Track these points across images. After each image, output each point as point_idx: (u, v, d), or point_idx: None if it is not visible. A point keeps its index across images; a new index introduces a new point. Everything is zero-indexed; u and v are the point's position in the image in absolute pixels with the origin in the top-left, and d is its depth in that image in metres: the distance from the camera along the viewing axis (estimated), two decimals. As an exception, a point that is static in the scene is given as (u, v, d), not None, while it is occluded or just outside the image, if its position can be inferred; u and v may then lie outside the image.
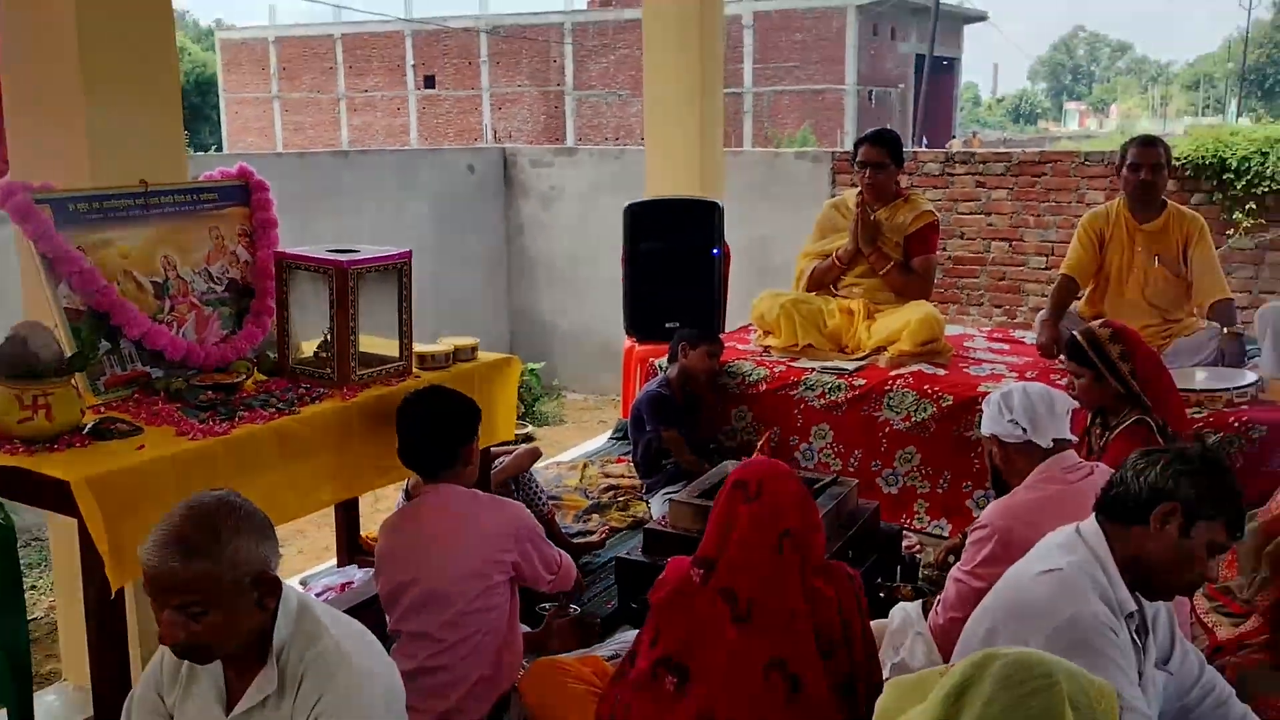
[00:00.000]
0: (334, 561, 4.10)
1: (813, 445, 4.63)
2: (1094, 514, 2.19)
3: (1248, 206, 6.89)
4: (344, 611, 2.06)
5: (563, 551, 3.05)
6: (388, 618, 2.83)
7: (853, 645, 2.36)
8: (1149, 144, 4.62)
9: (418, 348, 3.19)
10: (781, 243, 7.88)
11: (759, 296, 5.04)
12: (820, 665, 2.28)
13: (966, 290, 8.07)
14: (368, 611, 2.89)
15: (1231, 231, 6.97)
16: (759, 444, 4.45)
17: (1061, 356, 3.55)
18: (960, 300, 8.08)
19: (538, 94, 33.83)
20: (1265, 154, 6.84)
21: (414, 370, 3.14)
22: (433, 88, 34.97)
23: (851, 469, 4.51)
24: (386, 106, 35.57)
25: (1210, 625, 2.96)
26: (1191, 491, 2.05)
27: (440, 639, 2.72)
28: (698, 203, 5.55)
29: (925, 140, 26.61)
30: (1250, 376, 4.11)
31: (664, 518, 3.70)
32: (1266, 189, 6.84)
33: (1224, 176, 6.96)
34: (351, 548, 3.93)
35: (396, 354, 3.08)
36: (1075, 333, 3.54)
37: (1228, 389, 4.00)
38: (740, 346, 5.10)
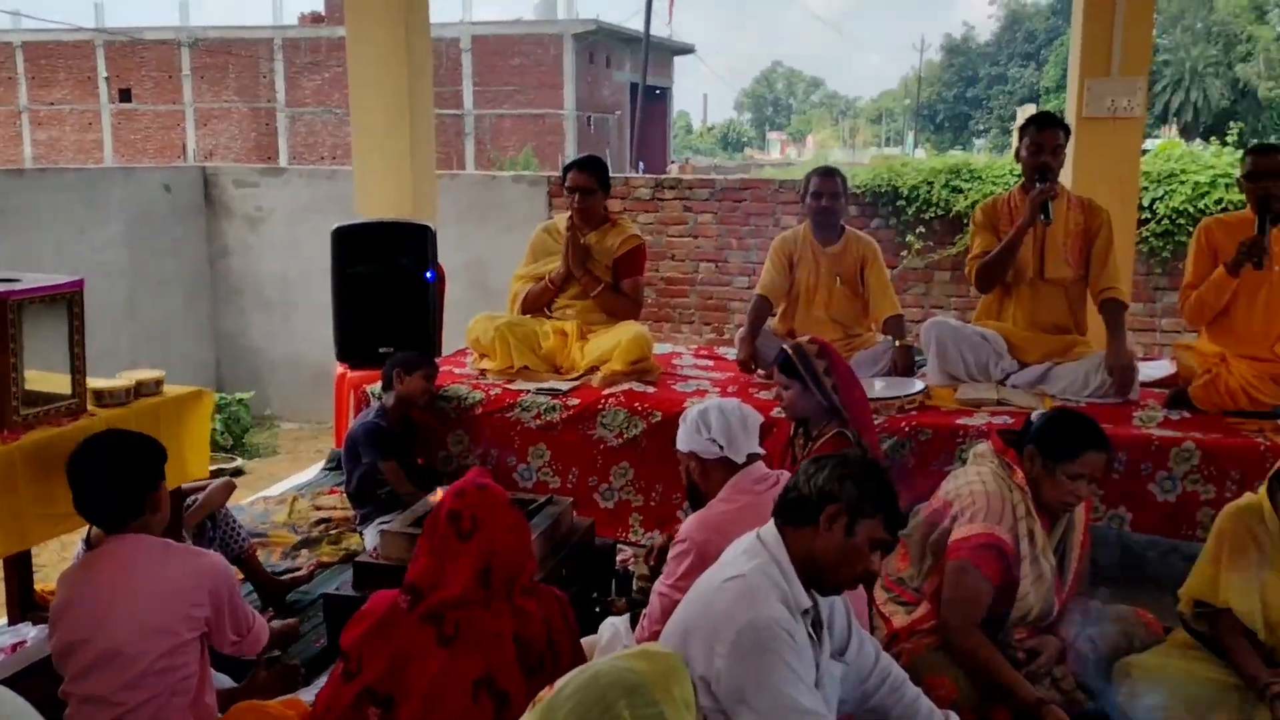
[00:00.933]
0: (3, 620, 3.72)
1: (531, 465, 4.68)
2: (773, 518, 2.35)
3: (918, 230, 7.61)
4: (14, 674, 1.87)
5: (258, 614, 2.88)
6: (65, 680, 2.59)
7: (560, 663, 2.40)
8: (828, 174, 5.02)
9: (95, 383, 2.96)
10: (500, 265, 7.90)
11: (474, 320, 5.04)
12: (525, 680, 2.30)
13: (678, 309, 8.42)
14: (41, 675, 2.65)
15: (905, 253, 7.67)
16: None
17: (774, 369, 3.78)
18: (673, 319, 8.43)
19: (247, 111, 32.23)
20: (931, 183, 7.59)
21: (89, 408, 2.91)
22: (129, 101, 32.54)
23: (570, 486, 4.59)
24: (77, 120, 32.75)
25: (888, 615, 3.23)
26: (854, 493, 2.25)
27: (118, 702, 2.49)
28: (409, 225, 5.48)
29: (643, 166, 27.54)
30: (918, 385, 4.53)
31: (376, 549, 3.61)
32: (933, 214, 7.58)
33: (897, 203, 7.66)
34: (25, 604, 3.58)
35: (68, 391, 2.85)
36: (786, 347, 3.78)
37: (900, 396, 4.39)
38: (457, 370, 5.08)
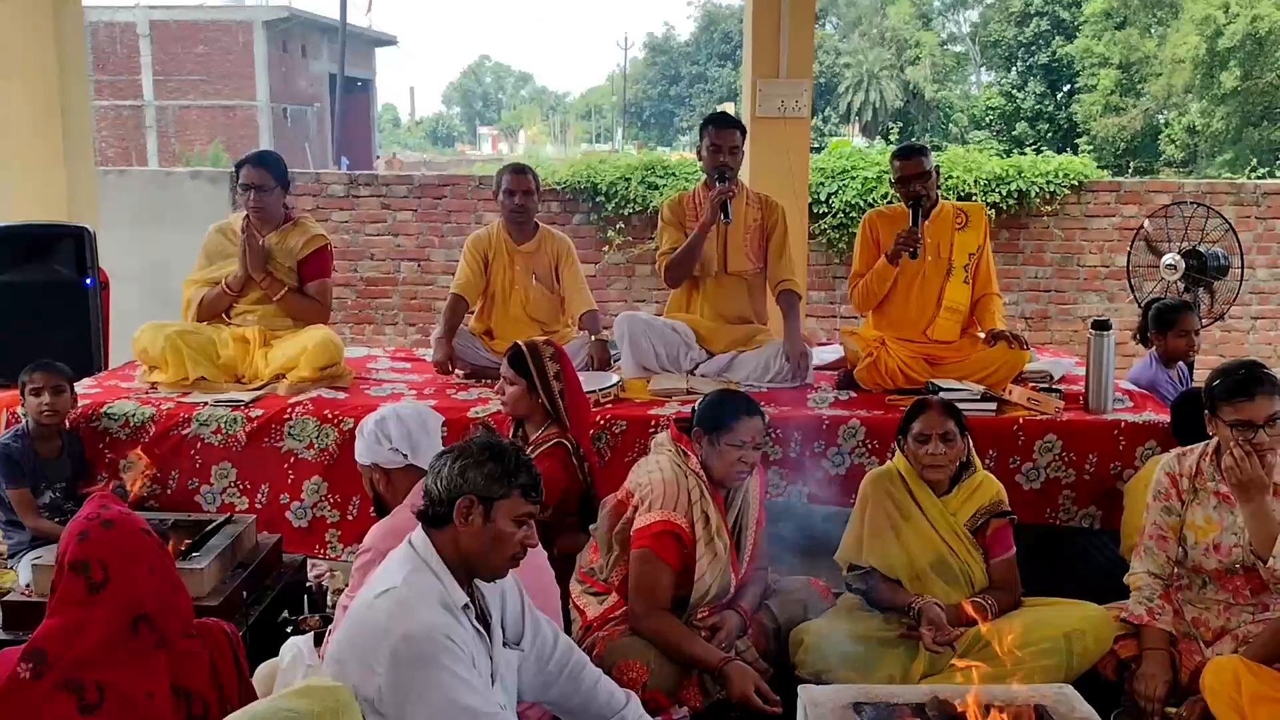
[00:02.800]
0: None
1: (215, 487, 4.36)
2: (419, 524, 2.32)
3: (618, 226, 7.79)
4: None
5: None
6: None
7: (227, 705, 2.25)
8: (520, 171, 5.03)
9: None
10: (181, 269, 7.35)
11: (140, 330, 4.66)
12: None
13: (381, 310, 8.20)
14: None
15: (606, 249, 7.84)
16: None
17: (475, 368, 3.74)
18: (375, 320, 8.20)
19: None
20: (628, 180, 7.79)
21: None
22: None
23: (260, 506, 4.32)
24: None
25: (582, 606, 3.28)
26: (479, 480, 2.26)
27: None
28: (63, 228, 5.00)
29: (346, 161, 26.64)
30: (614, 378, 4.63)
31: (29, 586, 3.27)
32: (631, 210, 7.79)
33: (596, 199, 7.81)
34: None
35: None
36: (520, 343, 3.74)
37: (596, 390, 4.47)
38: (124, 385, 4.68)
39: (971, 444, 3.42)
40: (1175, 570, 3.29)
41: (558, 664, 2.54)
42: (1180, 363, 4.97)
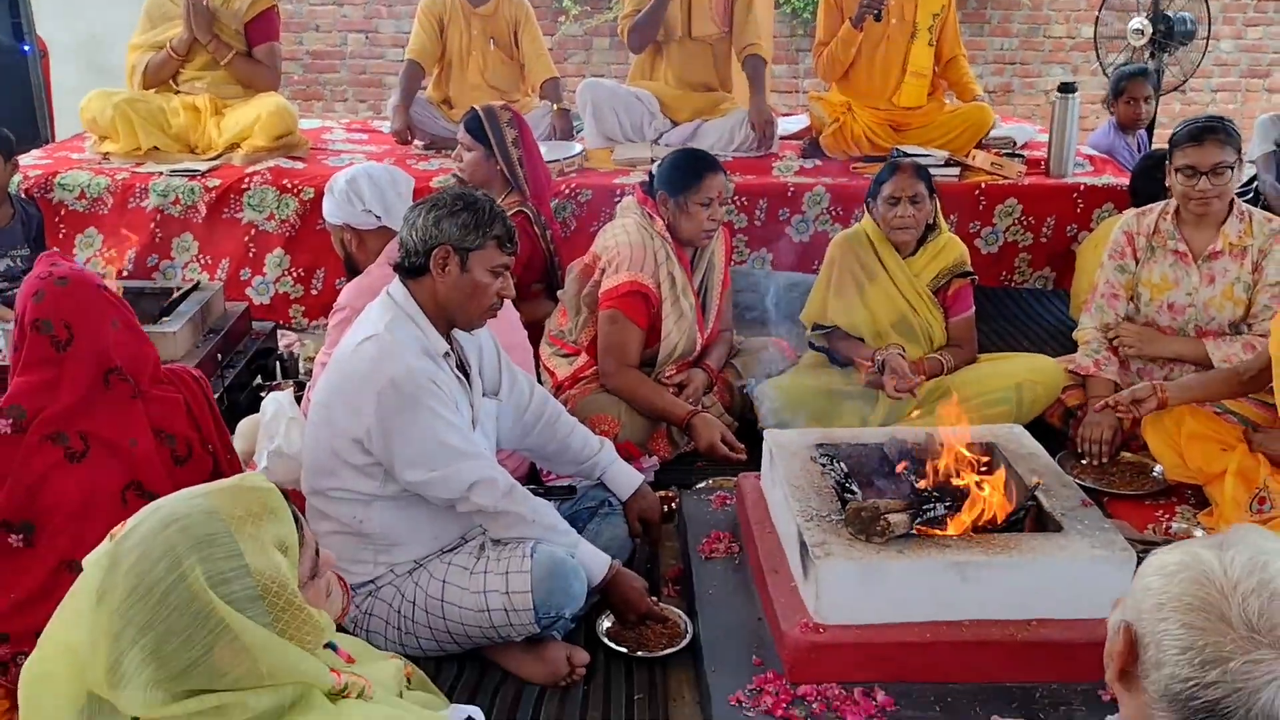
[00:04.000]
0: None
1: (176, 261, 4.34)
2: (396, 274, 2.33)
3: (575, -6, 7.47)
4: None
5: None
6: None
7: (207, 443, 2.32)
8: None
9: None
10: (121, 41, 7.05)
11: (87, 98, 4.49)
12: (174, 477, 2.20)
13: (329, 85, 7.92)
14: None
15: (563, 19, 7.54)
16: None
17: (462, 132, 3.67)
18: (323, 96, 7.93)
19: None
20: (588, -56, 7.41)
21: None
22: None
23: (221, 281, 4.31)
24: None
25: (552, 368, 3.36)
26: (455, 230, 2.26)
27: None
28: (-8, -8, 4.72)
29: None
30: (577, 148, 4.58)
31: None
32: (588, -24, 7.44)
33: (553, -34, 7.44)
34: None
35: None
36: (478, 108, 3.67)
37: (560, 159, 4.42)
38: (74, 156, 4.55)
39: (939, 206, 3.46)
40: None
41: (534, 413, 2.63)
42: (1140, 131, 5.00)
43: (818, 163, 4.59)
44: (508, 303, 2.49)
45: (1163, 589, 1.10)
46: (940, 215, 3.49)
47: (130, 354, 2.22)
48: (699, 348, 3.37)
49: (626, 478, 2.66)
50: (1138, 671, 1.11)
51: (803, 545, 2.22)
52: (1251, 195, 4.68)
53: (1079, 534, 2.24)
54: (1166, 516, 2.88)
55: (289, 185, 4.27)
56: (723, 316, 3.50)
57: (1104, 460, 3.17)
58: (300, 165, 4.46)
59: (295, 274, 4.33)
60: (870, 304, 3.40)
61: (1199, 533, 2.78)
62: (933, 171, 3.61)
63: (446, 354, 2.33)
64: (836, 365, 3.46)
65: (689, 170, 3.21)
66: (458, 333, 2.40)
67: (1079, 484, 2.62)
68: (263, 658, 1.22)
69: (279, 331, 3.95)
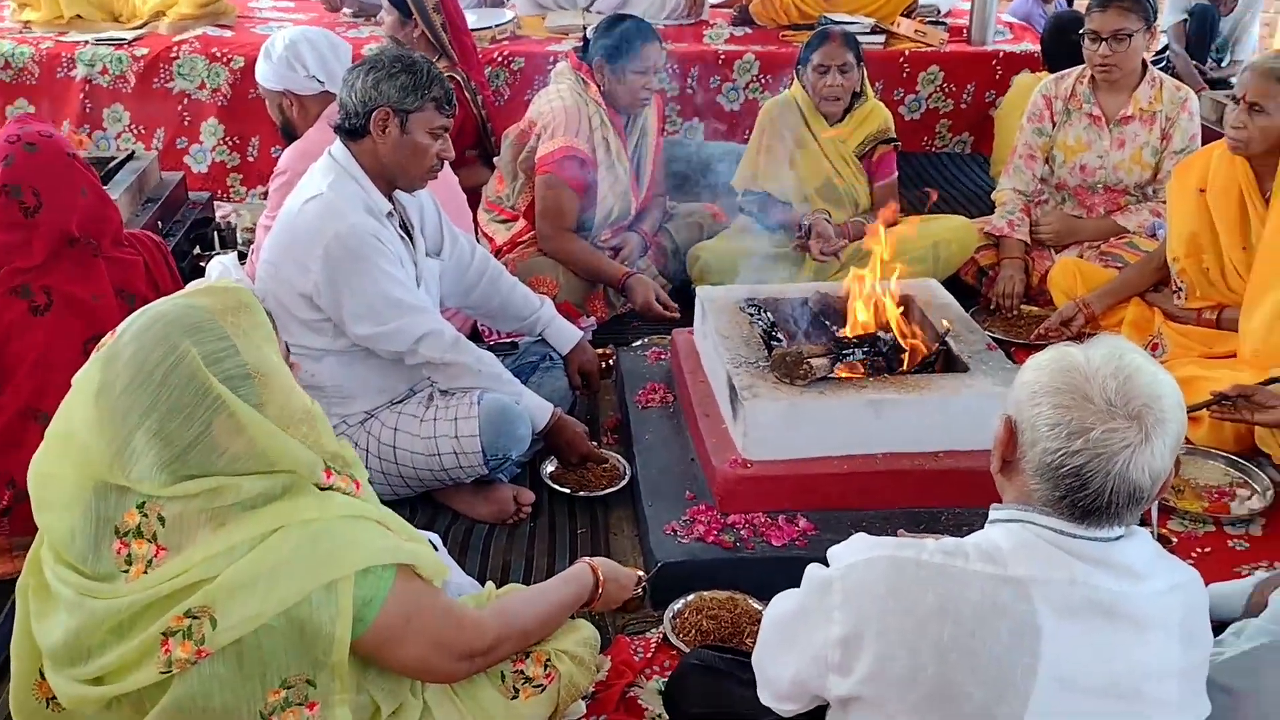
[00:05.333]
0: None
1: (108, 132, 4.30)
2: (337, 136, 2.39)
3: None
4: None
5: None
6: None
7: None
8: None
9: None
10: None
11: (2, -37, 4.36)
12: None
13: (250, -47, 7.64)
14: None
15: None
16: None
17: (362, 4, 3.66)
18: (245, -35, 7.66)
19: None
20: None
21: None
22: None
23: (157, 150, 4.29)
24: None
25: (490, 234, 3.46)
26: (394, 92, 2.30)
27: None
28: None
29: None
30: (508, 15, 4.57)
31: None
32: None
33: None
34: None
35: None
36: None
37: (491, 26, 4.42)
38: (-9, 24, 4.44)
39: (865, 74, 3.56)
40: (1039, 187, 3.59)
41: (476, 271, 2.72)
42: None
43: (748, 30, 4.65)
44: (446, 166, 2.56)
45: (1035, 380, 1.28)
46: (867, 83, 3.60)
47: (96, 219, 2.28)
48: (634, 212, 3.48)
49: (567, 333, 2.79)
50: (1018, 456, 1.30)
51: (732, 389, 2.39)
52: (1164, 64, 4.85)
53: (983, 374, 2.43)
54: (1068, 363, 3.11)
55: (219, 54, 4.22)
56: (656, 182, 3.61)
57: (1014, 313, 3.39)
58: (228, 33, 4.40)
59: (231, 142, 4.32)
60: (799, 169, 3.52)
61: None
62: (859, 39, 3.71)
63: (390, 213, 2.41)
64: (766, 229, 3.60)
65: (627, 39, 3.25)
66: (399, 194, 2.47)
67: (988, 334, 2.82)
68: (258, 436, 1.33)
69: (215, 202, 3.97)
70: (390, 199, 2.42)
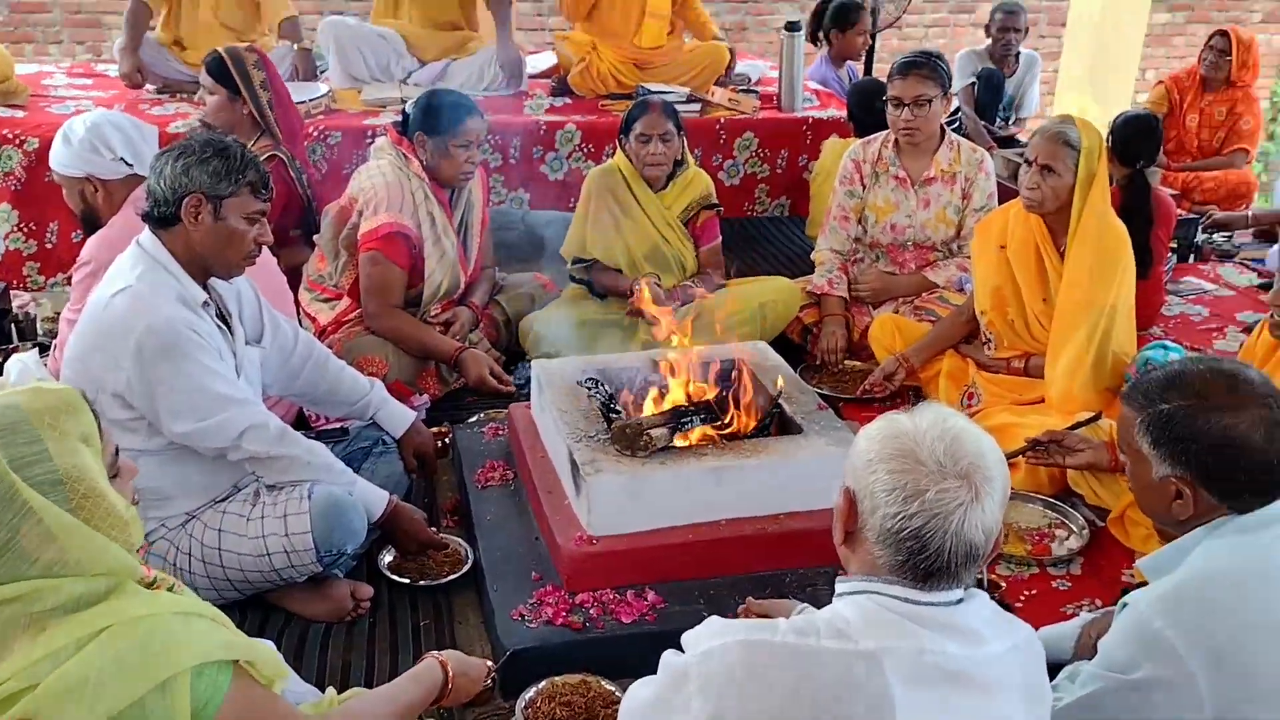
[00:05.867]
0: None
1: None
2: (145, 224, 2.28)
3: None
4: None
5: None
6: None
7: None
8: None
9: None
10: None
11: None
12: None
13: (41, 28, 7.29)
14: None
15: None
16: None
17: (204, 75, 3.52)
18: (36, 39, 7.30)
19: None
20: (315, -126, 7.11)
21: None
22: None
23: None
24: None
25: (314, 314, 3.34)
26: (206, 178, 2.21)
27: None
28: None
29: None
30: (322, 88, 4.48)
31: None
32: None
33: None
34: None
35: None
36: (221, 50, 3.54)
37: (305, 101, 4.32)
38: None
39: (685, 142, 3.65)
40: (854, 246, 3.75)
41: (300, 356, 2.62)
42: (849, 62, 5.41)
43: (567, 100, 4.70)
44: (265, 249, 2.47)
45: (868, 449, 1.32)
46: (687, 151, 3.69)
47: None
48: (463, 285, 3.44)
49: (399, 415, 2.72)
50: (859, 525, 1.32)
51: (574, 465, 2.37)
52: (956, 125, 5.16)
53: (817, 434, 2.49)
54: (892, 415, 3.22)
55: (11, 136, 3.97)
56: (484, 254, 3.58)
57: (839, 368, 3.51)
58: (20, 114, 4.15)
59: (26, 229, 4.06)
60: (626, 236, 3.57)
61: (919, 427, 3.13)
62: (677, 108, 3.81)
63: (205, 303, 2.30)
64: (596, 296, 3.62)
65: (449, 113, 3.24)
66: (215, 281, 2.37)
67: (816, 391, 2.91)
68: (69, 543, 1.26)
69: (11, 292, 3.71)
70: (205, 288, 2.32)
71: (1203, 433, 1.56)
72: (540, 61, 5.35)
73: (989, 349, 3.21)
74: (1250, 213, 4.90)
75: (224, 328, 2.36)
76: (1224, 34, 5.14)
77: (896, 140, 3.64)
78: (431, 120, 3.24)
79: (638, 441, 2.36)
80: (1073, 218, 2.90)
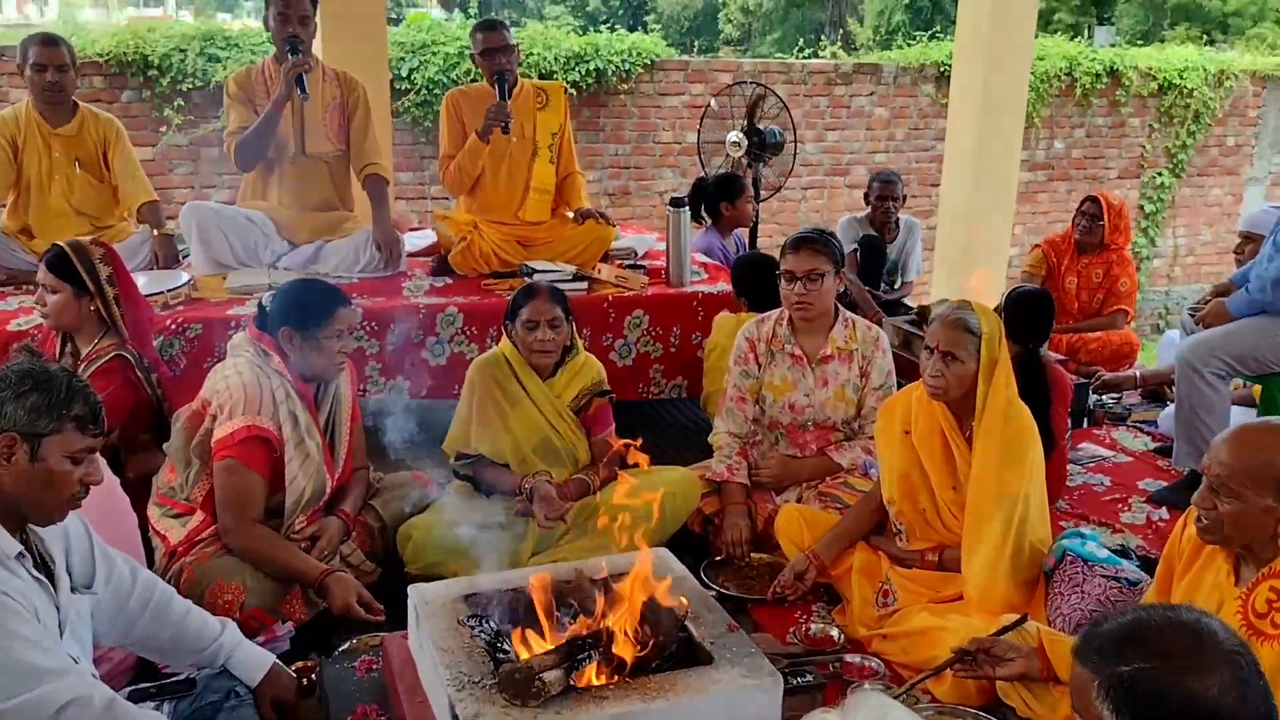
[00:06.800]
0: None
1: None
2: None
3: (176, 103, 7.01)
4: None
5: None
6: None
7: None
8: (50, 43, 4.32)
9: None
10: None
11: None
12: None
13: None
14: None
15: (165, 129, 7.04)
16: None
17: (44, 272, 3.23)
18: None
19: None
20: (184, 51, 7.00)
21: None
22: None
23: None
24: None
25: (163, 531, 2.98)
26: (22, 415, 1.96)
27: None
28: None
29: None
30: (184, 277, 4.20)
31: None
32: (190, 85, 7.02)
33: (149, 73, 6.95)
34: None
35: None
36: (62, 244, 3.28)
37: (164, 291, 4.03)
38: None
39: (574, 327, 3.48)
40: (753, 428, 3.59)
41: (139, 601, 2.29)
42: (736, 231, 5.41)
43: (448, 281, 4.52)
44: (104, 467, 2.16)
45: None
46: (576, 335, 3.52)
47: None
48: (330, 491, 3.14)
49: (255, 660, 2.39)
50: None
51: (454, 719, 2.07)
52: (843, 291, 5.14)
53: (729, 663, 2.25)
54: (804, 618, 3.00)
55: None
56: (355, 453, 3.29)
57: (744, 562, 3.29)
58: None
59: None
60: (514, 429, 3.34)
61: (834, 631, 2.91)
62: (563, 286, 3.65)
63: (21, 555, 1.98)
64: (482, 494, 3.36)
65: (317, 304, 3.02)
66: (33, 526, 2.05)
67: (724, 592, 2.67)
68: None
69: None
70: (22, 535, 2.00)
71: (1170, 699, 1.37)
72: (420, 239, 5.19)
73: (901, 540, 3.04)
74: (1138, 373, 4.96)
75: (44, 579, 2.03)
76: (1094, 200, 5.30)
77: (791, 318, 3.55)
78: (300, 312, 3.01)
79: (529, 689, 2.07)
80: (978, 406, 2.79)
